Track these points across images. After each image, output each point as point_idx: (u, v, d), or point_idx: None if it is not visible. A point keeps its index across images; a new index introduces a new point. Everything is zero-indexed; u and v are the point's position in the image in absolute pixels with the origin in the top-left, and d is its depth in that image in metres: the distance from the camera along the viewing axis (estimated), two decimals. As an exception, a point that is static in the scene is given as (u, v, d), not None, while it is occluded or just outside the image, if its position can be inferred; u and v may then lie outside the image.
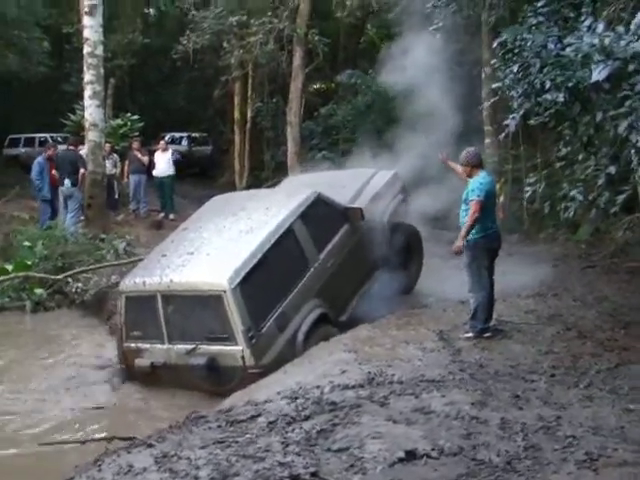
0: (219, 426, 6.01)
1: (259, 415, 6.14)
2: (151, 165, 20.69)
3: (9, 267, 13.12)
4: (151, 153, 20.98)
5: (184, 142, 30.64)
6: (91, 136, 16.33)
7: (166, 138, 24.74)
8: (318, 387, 6.75)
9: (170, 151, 21.08)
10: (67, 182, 16.62)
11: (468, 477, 4.77)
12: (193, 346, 8.76)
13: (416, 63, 13.17)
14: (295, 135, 21.73)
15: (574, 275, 11.97)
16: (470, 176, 8.65)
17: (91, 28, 16.13)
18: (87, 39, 16.23)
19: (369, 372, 7.14)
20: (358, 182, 11.56)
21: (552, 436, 5.39)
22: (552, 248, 15.01)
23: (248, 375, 8.32)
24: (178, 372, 8.85)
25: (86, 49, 16.27)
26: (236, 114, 26.12)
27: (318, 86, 28.16)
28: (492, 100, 12.85)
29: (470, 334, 8.55)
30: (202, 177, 28.59)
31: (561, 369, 7.22)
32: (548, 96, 7.06)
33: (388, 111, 20.55)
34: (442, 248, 12.00)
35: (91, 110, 16.30)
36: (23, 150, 28.89)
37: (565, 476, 4.75)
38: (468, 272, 8.63)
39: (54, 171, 17.00)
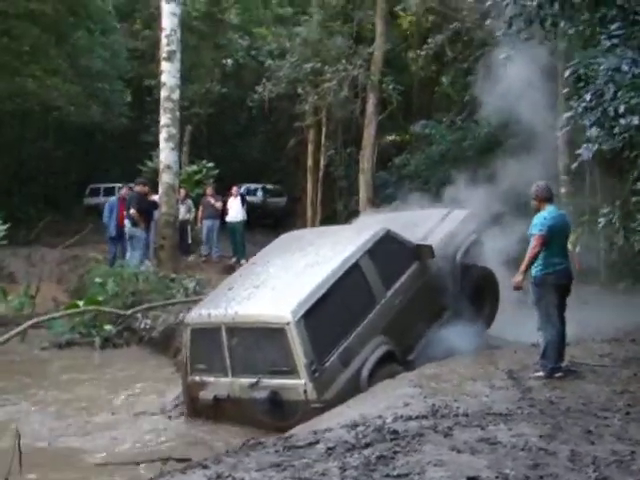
0: (276, 451, 5.89)
1: (317, 442, 6.00)
2: (224, 212, 20.94)
3: (80, 303, 13.30)
4: (225, 201, 21.22)
5: (259, 193, 30.98)
6: (165, 178, 16.62)
7: (241, 190, 24.95)
8: (380, 417, 6.60)
9: (239, 197, 21.29)
10: (126, 222, 16.91)
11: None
12: (256, 379, 8.68)
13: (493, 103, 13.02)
14: (368, 181, 21.75)
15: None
16: (539, 210, 8.53)
17: (168, 73, 16.56)
18: (164, 83, 16.65)
19: (433, 404, 6.98)
20: (431, 221, 11.45)
21: (626, 470, 5.10)
22: (630, 299, 14.56)
23: (310, 410, 8.17)
24: (241, 406, 8.77)
25: (163, 93, 16.68)
26: (309, 162, 26.32)
27: (392, 137, 28.11)
28: (565, 132, 12.40)
29: (541, 373, 8.31)
30: (275, 227, 28.78)
31: (637, 407, 6.88)
32: (622, 121, 6.86)
33: (463, 160, 20.42)
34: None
35: (166, 153, 16.64)
36: (103, 199, 29.57)
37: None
38: (537, 310, 8.43)
39: (126, 212, 17.32)
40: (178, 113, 16.94)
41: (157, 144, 17.57)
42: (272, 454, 5.80)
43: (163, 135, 16.69)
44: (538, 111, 16.08)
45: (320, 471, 5.19)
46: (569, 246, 16.27)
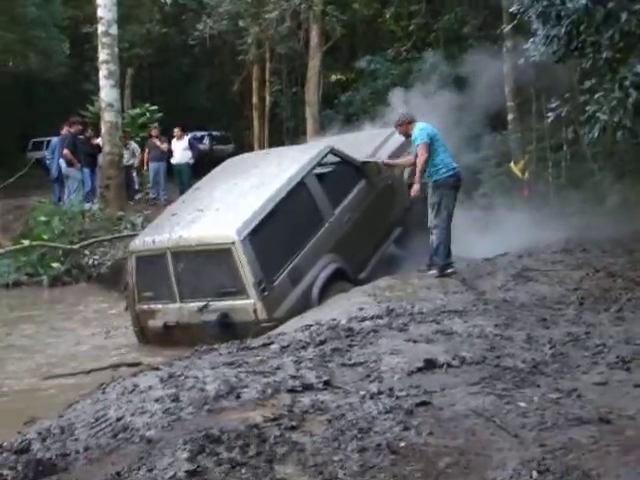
0: (229, 352, 5.82)
1: (271, 343, 5.96)
2: (171, 155, 20.55)
3: (25, 241, 12.96)
4: (170, 142, 20.80)
5: (205, 141, 30.53)
6: (107, 117, 16.18)
7: (188, 136, 24.44)
8: (334, 320, 6.55)
9: (186, 139, 20.92)
10: (61, 162, 16.51)
11: (492, 380, 4.47)
12: (205, 303, 8.56)
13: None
14: (314, 115, 21.47)
15: (603, 236, 11.57)
16: (408, 134, 9.36)
17: (104, 7, 16.01)
18: (101, 18, 16.11)
19: (388, 306, 6.98)
20: (376, 140, 11.30)
21: (582, 347, 5.12)
22: (580, 220, 14.66)
23: (261, 329, 7.96)
24: (191, 331, 8.59)
25: (100, 28, 16.16)
26: (254, 99, 25.94)
27: (338, 77, 27.83)
28: (509, 54, 12.18)
29: (434, 271, 8.92)
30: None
31: (590, 299, 6.94)
32: (570, 4, 6.71)
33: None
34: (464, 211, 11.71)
35: (106, 90, 16.17)
36: (46, 153, 28.91)
37: (596, 375, 4.48)
38: (435, 211, 9.08)
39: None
40: (117, 50, 16.39)
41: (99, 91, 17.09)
42: (225, 355, 5.72)
43: (103, 72, 16.16)
44: (483, 36, 16.03)
45: (275, 365, 5.11)
46: (517, 173, 16.55)
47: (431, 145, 9.08)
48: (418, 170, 9.05)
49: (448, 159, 9.22)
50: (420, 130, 9.16)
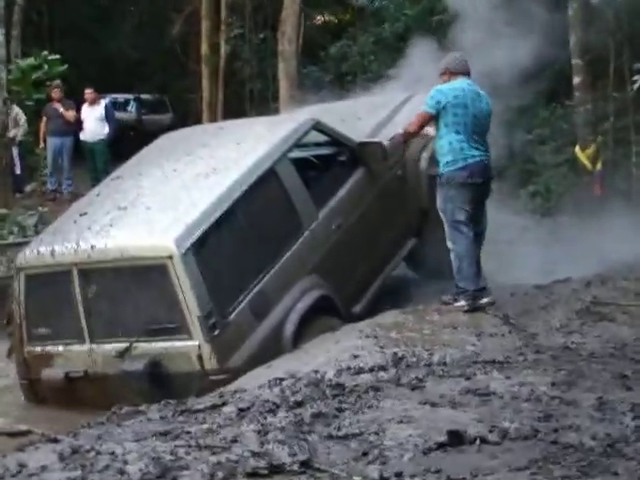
0: (162, 417, 5.88)
1: (224, 404, 6.04)
2: (79, 126, 20.59)
3: None
4: (79, 108, 20.87)
5: (131, 107, 30.79)
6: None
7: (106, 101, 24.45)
8: (317, 372, 6.64)
9: (102, 104, 20.99)
10: None
11: (547, 463, 4.49)
12: (126, 345, 8.59)
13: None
14: (291, 73, 21.44)
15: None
16: None
17: None
18: None
19: (395, 353, 7.08)
20: (383, 110, 11.37)
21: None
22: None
23: (210, 384, 8.04)
24: (106, 385, 8.67)
25: None
26: (204, 47, 25.84)
27: (326, 18, 28.06)
28: None
29: (462, 302, 9.05)
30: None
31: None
32: None
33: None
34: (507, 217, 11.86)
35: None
36: None
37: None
38: (443, 217, 9.33)
39: None
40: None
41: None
42: (156, 422, 5.78)
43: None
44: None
45: (229, 437, 5.13)
46: (586, 163, 16.73)
47: (440, 118, 9.20)
48: (400, 135, 9.86)
49: (462, 143, 9.23)
50: (435, 91, 9.30)
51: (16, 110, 20.51)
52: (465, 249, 9.14)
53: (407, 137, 9.82)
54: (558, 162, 18.10)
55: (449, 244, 9.25)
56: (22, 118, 20.62)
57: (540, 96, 19.14)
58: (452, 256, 9.20)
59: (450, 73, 9.43)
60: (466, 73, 9.50)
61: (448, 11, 21.00)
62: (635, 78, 9.90)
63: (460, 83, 9.34)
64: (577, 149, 16.71)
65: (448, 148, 9.18)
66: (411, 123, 9.51)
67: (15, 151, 20.24)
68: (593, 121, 17.37)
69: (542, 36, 15.18)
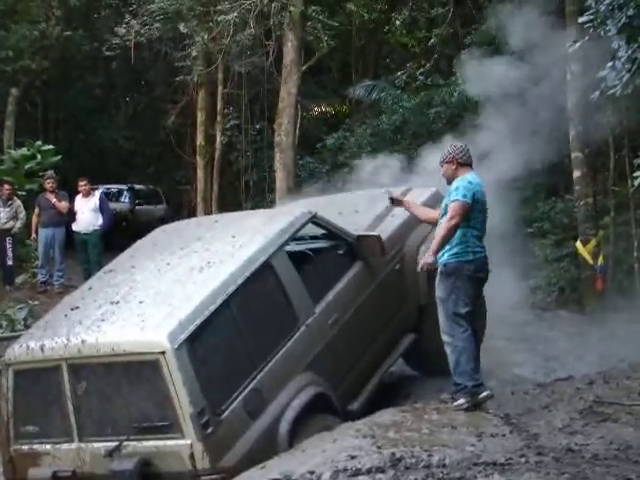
0: None
1: None
2: (72, 218, 20.59)
3: None
4: (72, 199, 20.87)
5: (124, 198, 30.77)
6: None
7: (99, 192, 24.52)
8: (312, 472, 6.59)
9: (96, 195, 20.98)
10: None
11: None
12: (116, 444, 8.47)
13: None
14: (287, 164, 21.58)
15: None
16: (451, 179, 9.47)
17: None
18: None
19: (393, 454, 6.98)
20: (380, 204, 11.39)
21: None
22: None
23: (201, 484, 8.04)
24: (95, 485, 8.58)
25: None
26: (199, 138, 26.11)
27: (323, 109, 28.26)
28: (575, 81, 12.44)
29: (462, 400, 8.98)
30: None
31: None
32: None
33: (429, 136, 20.55)
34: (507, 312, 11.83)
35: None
36: None
37: None
38: (442, 308, 9.30)
39: None
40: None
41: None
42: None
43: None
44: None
45: None
46: (587, 257, 16.74)
47: (469, 212, 9.18)
48: (439, 236, 9.20)
49: (473, 238, 9.32)
50: (467, 183, 9.26)
51: (18, 203, 20.69)
52: (464, 344, 9.10)
53: (450, 232, 9.14)
54: (559, 256, 18.11)
55: (445, 337, 9.23)
56: (22, 212, 20.69)
57: (540, 189, 19.24)
58: (449, 350, 9.18)
59: (458, 163, 9.44)
60: (471, 164, 9.56)
61: (447, 101, 21.31)
62: (636, 174, 9.90)
63: (476, 177, 9.41)
64: (578, 243, 16.74)
65: (460, 239, 9.17)
66: (453, 215, 9.10)
67: (9, 243, 20.29)
68: (594, 215, 17.38)
69: (540, 131, 15.30)
